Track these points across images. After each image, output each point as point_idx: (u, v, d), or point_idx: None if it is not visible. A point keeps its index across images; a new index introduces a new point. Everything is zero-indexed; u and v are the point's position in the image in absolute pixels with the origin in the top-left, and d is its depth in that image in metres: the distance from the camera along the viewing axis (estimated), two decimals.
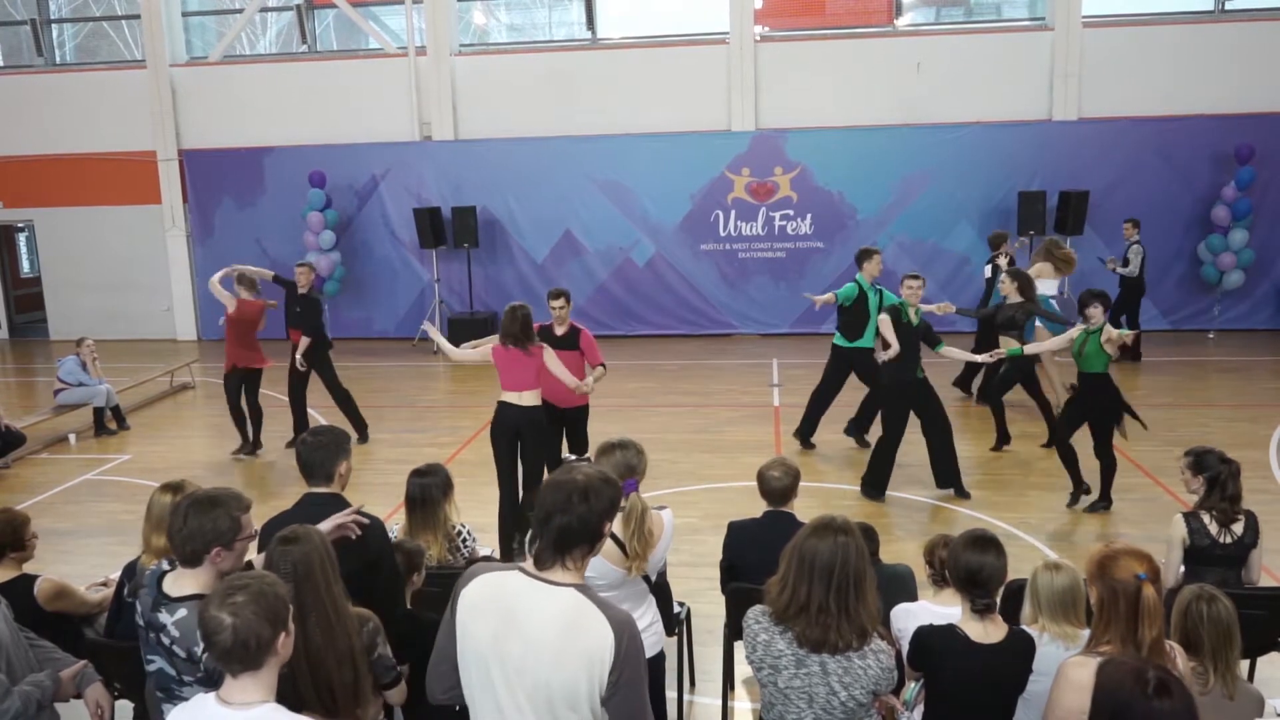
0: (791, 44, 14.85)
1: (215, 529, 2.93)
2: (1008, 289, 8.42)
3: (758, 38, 14.70)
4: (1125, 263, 12.22)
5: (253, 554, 3.30)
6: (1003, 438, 8.87)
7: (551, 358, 6.46)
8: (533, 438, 6.54)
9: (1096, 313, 6.99)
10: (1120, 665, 2.55)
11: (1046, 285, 9.53)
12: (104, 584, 4.54)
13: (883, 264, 8.94)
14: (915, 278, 7.55)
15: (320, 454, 3.71)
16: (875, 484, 7.71)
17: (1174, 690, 2.43)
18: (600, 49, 15.30)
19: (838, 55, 14.58)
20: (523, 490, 6.60)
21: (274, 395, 10.05)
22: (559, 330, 7.02)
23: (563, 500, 2.46)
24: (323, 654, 2.84)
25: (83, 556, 7.01)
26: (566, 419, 7.14)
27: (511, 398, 6.46)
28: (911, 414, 7.64)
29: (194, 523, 2.91)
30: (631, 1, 15.73)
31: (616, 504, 2.57)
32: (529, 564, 2.51)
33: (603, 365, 7.08)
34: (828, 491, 7.89)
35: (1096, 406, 7.17)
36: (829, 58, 14.59)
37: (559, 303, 6.99)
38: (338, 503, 3.74)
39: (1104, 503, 7.36)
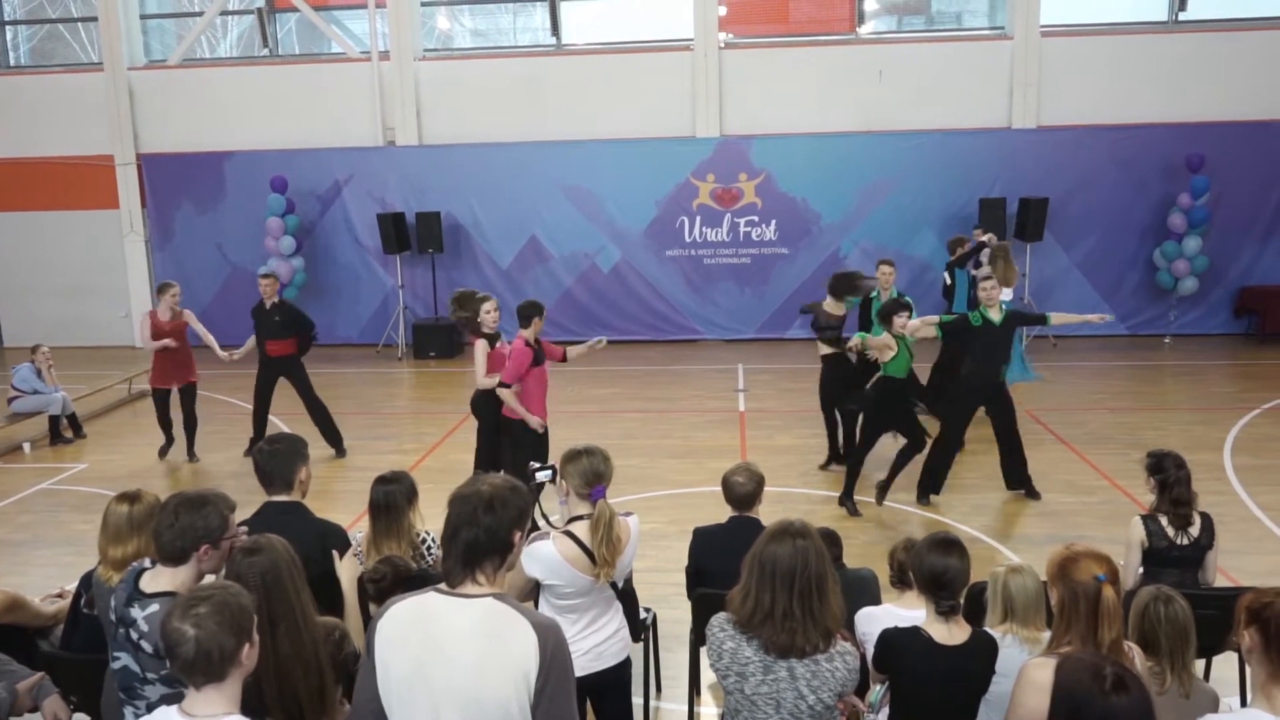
0: (755, 51, 14.92)
1: (206, 525, 2.94)
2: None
3: (722, 45, 14.76)
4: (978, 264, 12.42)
5: None
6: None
7: (478, 353, 6.94)
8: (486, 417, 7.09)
9: (901, 320, 7.29)
10: (1078, 662, 2.59)
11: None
12: (59, 595, 4.46)
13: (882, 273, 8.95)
14: (990, 279, 7.55)
15: (277, 461, 3.68)
16: (934, 486, 7.74)
17: (1130, 686, 2.47)
18: (565, 55, 15.28)
19: (801, 63, 14.66)
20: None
21: (233, 401, 9.91)
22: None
23: (469, 513, 2.42)
24: (290, 663, 2.81)
25: (38, 568, 6.90)
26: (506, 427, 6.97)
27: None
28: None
29: (185, 519, 2.93)
30: (596, 8, 15.74)
31: (526, 513, 2.51)
32: (442, 584, 2.45)
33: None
34: (795, 497, 7.93)
35: (897, 407, 7.48)
36: (792, 65, 14.67)
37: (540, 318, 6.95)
38: (298, 510, 3.70)
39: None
